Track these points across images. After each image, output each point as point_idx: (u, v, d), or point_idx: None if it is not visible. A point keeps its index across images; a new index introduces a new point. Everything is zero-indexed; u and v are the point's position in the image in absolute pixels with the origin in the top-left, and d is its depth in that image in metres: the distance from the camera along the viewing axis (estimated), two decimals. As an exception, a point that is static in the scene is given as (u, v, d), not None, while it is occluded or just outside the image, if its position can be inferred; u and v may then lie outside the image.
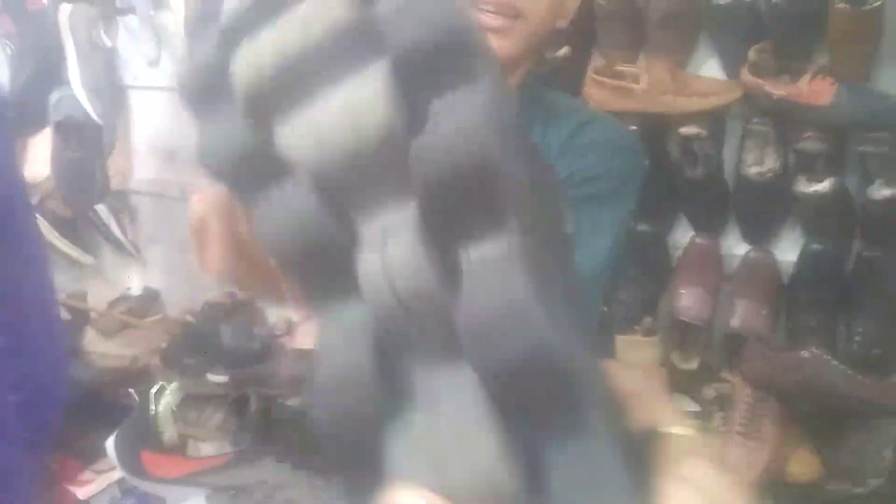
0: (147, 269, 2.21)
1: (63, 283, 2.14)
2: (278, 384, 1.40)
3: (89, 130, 1.96)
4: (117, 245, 2.15)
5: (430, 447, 0.26)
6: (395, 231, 0.27)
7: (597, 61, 1.53)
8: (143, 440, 0.98)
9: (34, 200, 1.94)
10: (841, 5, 1.28)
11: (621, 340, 1.49)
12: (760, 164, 1.41)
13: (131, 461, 0.97)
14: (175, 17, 1.94)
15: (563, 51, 1.54)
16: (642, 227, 1.53)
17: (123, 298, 2.12)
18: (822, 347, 1.30)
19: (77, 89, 1.94)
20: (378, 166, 0.28)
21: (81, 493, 1.81)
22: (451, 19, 0.26)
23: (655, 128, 1.48)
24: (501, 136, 0.25)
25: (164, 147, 2.14)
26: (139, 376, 1.89)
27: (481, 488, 0.25)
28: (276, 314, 1.84)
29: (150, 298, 2.13)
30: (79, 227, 2.14)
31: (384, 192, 0.28)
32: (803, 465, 1.37)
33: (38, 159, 2.05)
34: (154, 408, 1.26)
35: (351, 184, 0.29)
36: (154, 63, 2.08)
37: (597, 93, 1.48)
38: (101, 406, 1.87)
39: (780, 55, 1.36)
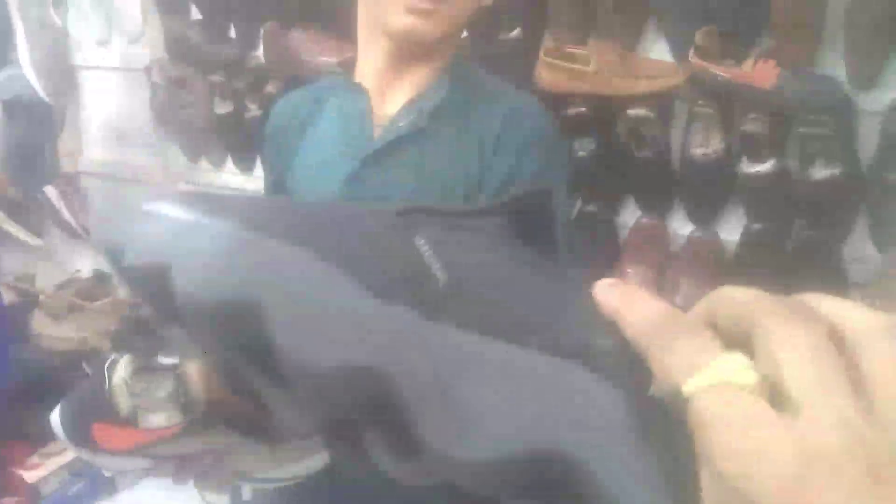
0: (97, 252, 2.18)
1: (11, 265, 2.11)
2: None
3: (38, 110, 1.93)
4: (66, 227, 2.12)
5: None
6: None
7: (548, 43, 1.55)
8: (95, 412, 0.97)
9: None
10: (784, -10, 1.31)
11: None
12: (706, 145, 1.44)
13: (81, 433, 0.96)
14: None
15: (516, 32, 1.55)
16: (590, 208, 1.55)
17: (72, 281, 2.09)
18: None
19: (26, 68, 1.91)
20: None
21: (30, 476, 1.79)
22: None
23: (604, 109, 1.50)
24: None
25: (114, 128, 2.11)
26: (88, 359, 1.87)
27: None
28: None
29: (100, 281, 2.10)
30: (28, 209, 2.11)
31: None
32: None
33: (-15, 139, 2.01)
34: (108, 380, 1.24)
35: None
36: (104, 43, 2.05)
37: (547, 74, 1.50)
38: (50, 389, 1.85)
39: (726, 39, 1.39)
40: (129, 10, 1.95)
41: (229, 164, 1.97)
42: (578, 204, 1.56)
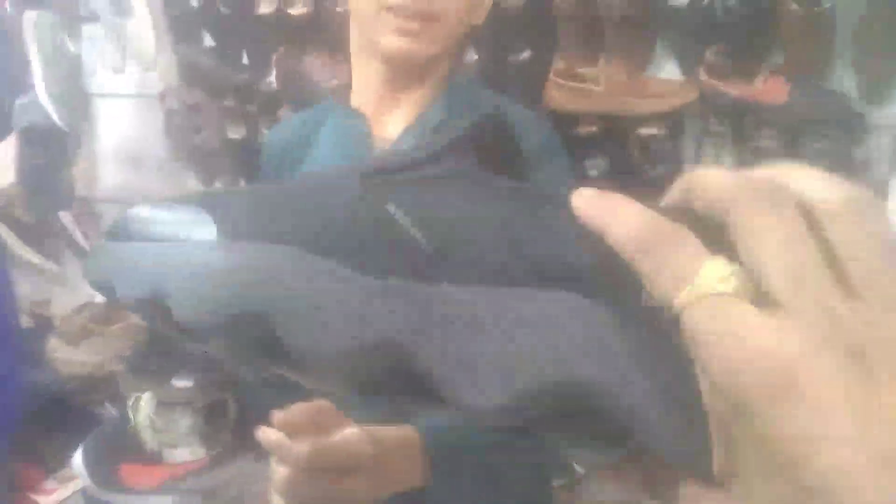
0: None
1: (26, 290, 2.12)
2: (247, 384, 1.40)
3: (54, 137, 1.96)
4: (81, 252, 2.14)
5: None
6: None
7: (558, 64, 1.56)
8: (121, 452, 0.97)
9: (-3, 207, 1.94)
10: (793, 7, 1.31)
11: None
12: (718, 163, 1.44)
13: (107, 474, 0.96)
14: (139, 24, 1.95)
15: (525, 54, 1.56)
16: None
17: (87, 305, 2.10)
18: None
19: (42, 96, 1.94)
20: None
21: (45, 501, 1.79)
22: None
23: (615, 128, 1.50)
24: None
25: (129, 154, 2.13)
26: (104, 383, 1.87)
27: None
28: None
29: (115, 305, 2.11)
30: (43, 235, 2.12)
31: None
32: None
33: (3, 166, 2.03)
34: (133, 418, 1.25)
35: None
36: (119, 70, 2.08)
37: (557, 95, 1.50)
38: (65, 413, 1.86)
39: (736, 56, 1.39)
40: (143, 37, 1.97)
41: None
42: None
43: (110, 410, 1.87)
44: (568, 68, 1.52)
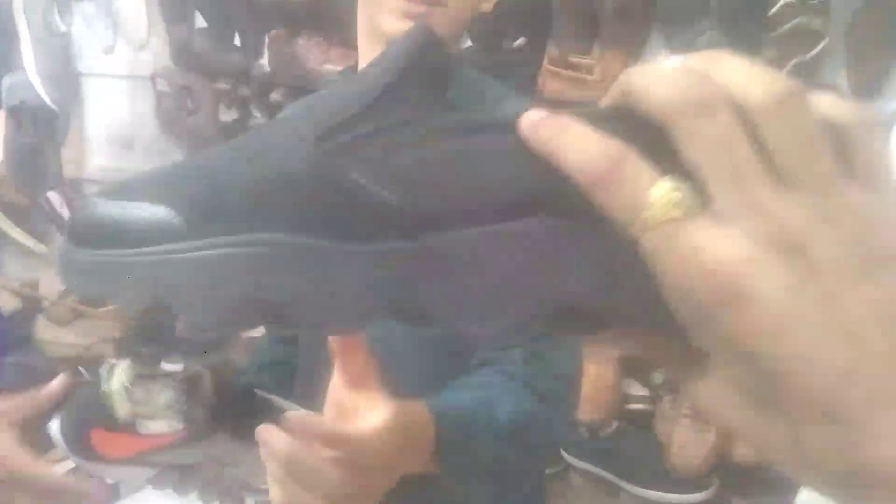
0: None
1: (15, 271, 2.11)
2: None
3: (43, 116, 1.94)
4: (71, 233, 2.12)
5: None
6: None
7: (552, 52, 1.55)
8: (93, 418, 0.97)
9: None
10: (788, -1, 1.31)
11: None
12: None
13: (79, 441, 0.95)
14: (131, 3, 1.93)
15: (519, 42, 1.56)
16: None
17: (77, 287, 2.10)
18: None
19: (31, 75, 1.92)
20: None
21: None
22: None
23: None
24: None
25: (119, 135, 2.12)
26: (93, 365, 1.87)
27: None
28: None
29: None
30: (32, 216, 2.11)
31: None
32: (749, 448, 1.40)
33: (-10, 145, 2.02)
34: (106, 385, 1.24)
35: None
36: (110, 50, 2.06)
37: (551, 83, 1.50)
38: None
39: (730, 46, 1.39)
40: (134, 17, 1.95)
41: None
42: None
43: (84, 375, 1.86)
44: (562, 56, 1.52)
